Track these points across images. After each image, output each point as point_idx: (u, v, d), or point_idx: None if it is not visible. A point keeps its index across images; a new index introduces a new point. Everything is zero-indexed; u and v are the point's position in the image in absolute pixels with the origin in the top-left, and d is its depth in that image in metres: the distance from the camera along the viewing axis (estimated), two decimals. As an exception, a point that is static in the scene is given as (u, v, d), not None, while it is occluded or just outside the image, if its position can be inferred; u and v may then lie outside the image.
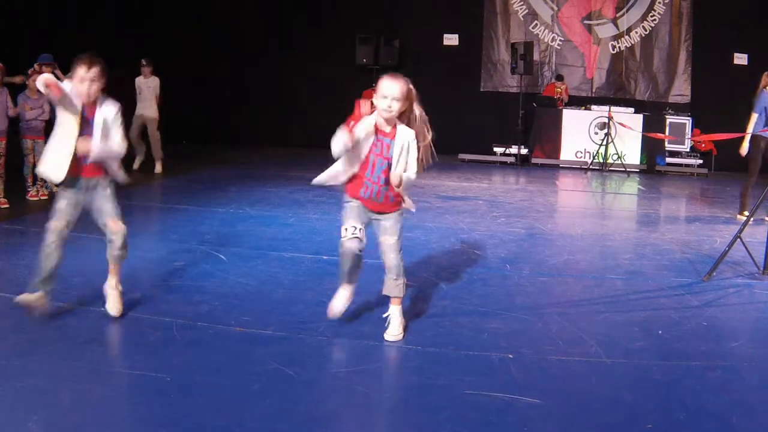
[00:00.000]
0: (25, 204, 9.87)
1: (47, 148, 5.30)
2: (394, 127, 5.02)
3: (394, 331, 5.07)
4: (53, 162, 5.21)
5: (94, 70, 5.10)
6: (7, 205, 9.49)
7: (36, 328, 5.07)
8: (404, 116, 5.08)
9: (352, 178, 5.10)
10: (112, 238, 5.35)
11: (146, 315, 5.39)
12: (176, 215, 9.34)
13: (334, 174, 5.16)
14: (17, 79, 10.25)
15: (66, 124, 5.11)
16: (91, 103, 5.15)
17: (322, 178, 5.22)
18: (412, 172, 5.01)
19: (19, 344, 4.76)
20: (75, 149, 5.09)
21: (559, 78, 18.02)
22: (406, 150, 5.00)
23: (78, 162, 5.18)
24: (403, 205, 5.11)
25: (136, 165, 13.61)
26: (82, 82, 5.07)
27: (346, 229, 5.08)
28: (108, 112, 5.21)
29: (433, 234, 8.66)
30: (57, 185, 5.33)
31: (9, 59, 10.07)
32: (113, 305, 5.33)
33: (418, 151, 5.05)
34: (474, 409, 4.01)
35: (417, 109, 5.11)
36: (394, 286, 5.10)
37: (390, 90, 4.93)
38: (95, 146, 5.10)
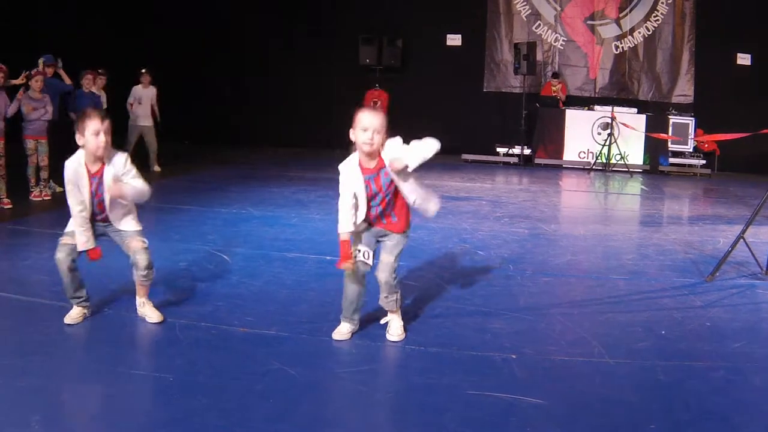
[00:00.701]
0: (28, 204, 9.88)
1: (70, 224, 5.23)
2: (378, 157, 4.86)
3: (395, 331, 5.08)
4: (79, 235, 5.16)
5: (107, 123, 4.99)
6: (10, 206, 9.50)
7: (39, 328, 5.07)
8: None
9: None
10: (135, 259, 5.24)
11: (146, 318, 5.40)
12: (179, 216, 9.34)
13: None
14: (20, 80, 10.25)
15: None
16: (100, 158, 5.05)
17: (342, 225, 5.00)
18: (412, 156, 4.78)
19: (22, 344, 4.77)
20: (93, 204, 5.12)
21: (555, 76, 18.00)
22: (395, 156, 4.81)
23: (95, 216, 5.20)
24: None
25: None
26: (96, 134, 4.94)
27: (355, 254, 4.99)
28: (117, 165, 5.11)
29: (436, 234, 8.66)
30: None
31: (10, 60, 10.06)
32: (153, 313, 5.33)
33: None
34: (477, 409, 4.01)
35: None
36: (386, 303, 5.09)
37: (371, 122, 4.79)
38: (128, 189, 5.11)
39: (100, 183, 5.07)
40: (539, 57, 18.17)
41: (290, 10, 18.63)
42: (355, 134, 4.85)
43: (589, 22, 18.46)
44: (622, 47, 18.42)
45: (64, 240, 5.20)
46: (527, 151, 17.44)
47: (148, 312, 5.34)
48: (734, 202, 12.40)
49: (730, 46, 17.29)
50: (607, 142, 16.34)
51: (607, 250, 8.29)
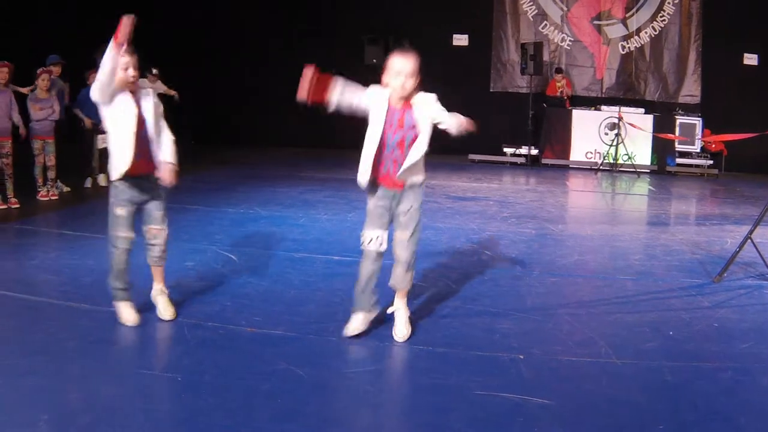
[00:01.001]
0: (36, 204, 9.90)
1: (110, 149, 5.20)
2: (407, 100, 4.89)
3: (401, 330, 5.06)
4: (117, 158, 5.13)
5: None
6: (17, 205, 9.52)
7: (46, 327, 5.08)
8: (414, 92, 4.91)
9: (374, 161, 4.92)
10: (153, 243, 5.39)
11: (156, 315, 5.40)
12: (186, 215, 9.35)
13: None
14: (25, 90, 10.28)
15: (120, 120, 5.12)
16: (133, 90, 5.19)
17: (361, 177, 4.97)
18: (448, 117, 4.93)
19: (29, 344, 4.78)
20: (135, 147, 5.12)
21: (558, 71, 17.97)
22: (431, 111, 4.94)
23: (137, 158, 5.15)
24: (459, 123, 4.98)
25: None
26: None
27: (368, 240, 4.98)
28: (151, 99, 5.35)
29: (443, 234, 8.66)
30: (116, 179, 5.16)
31: (10, 60, 10.07)
32: (165, 310, 5.36)
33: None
34: (484, 409, 4.01)
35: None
36: (402, 278, 5.06)
37: (403, 66, 4.79)
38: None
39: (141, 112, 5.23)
40: (546, 57, 18.15)
41: (294, 9, 18.64)
42: (387, 79, 4.83)
43: (596, 22, 18.44)
44: (629, 47, 18.40)
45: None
46: (534, 152, 17.43)
47: (161, 305, 5.39)
48: (742, 203, 12.38)
49: (737, 46, 17.26)
50: (614, 143, 16.31)
51: (614, 251, 8.28)
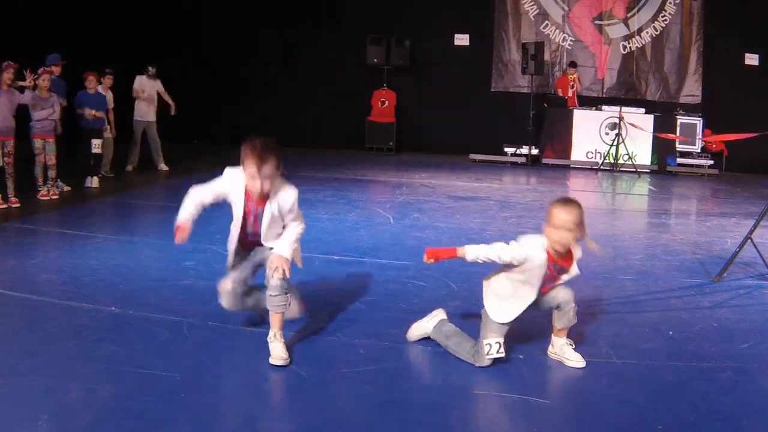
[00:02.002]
0: (36, 203, 9.90)
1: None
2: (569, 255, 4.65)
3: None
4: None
5: (269, 169, 4.60)
6: (18, 205, 9.52)
7: (46, 326, 5.09)
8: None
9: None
10: (272, 284, 4.69)
11: (157, 314, 5.41)
12: (187, 215, 9.34)
13: None
14: (27, 83, 10.26)
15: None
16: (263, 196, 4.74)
17: None
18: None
19: (30, 343, 4.78)
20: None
21: (573, 65, 17.93)
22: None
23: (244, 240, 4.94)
24: None
25: (129, 169, 13.64)
26: (253, 179, 4.64)
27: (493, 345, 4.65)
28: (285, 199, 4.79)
29: (443, 234, 8.66)
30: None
31: (15, 59, 10.08)
32: (277, 356, 4.59)
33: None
34: (484, 409, 4.01)
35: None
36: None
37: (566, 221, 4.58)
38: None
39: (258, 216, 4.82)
40: (547, 57, 18.15)
41: (297, 9, 18.64)
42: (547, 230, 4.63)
43: (597, 22, 18.44)
44: (630, 47, 18.39)
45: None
46: (535, 151, 17.42)
47: (274, 351, 4.63)
48: (742, 203, 12.38)
49: (738, 46, 17.25)
50: (615, 142, 16.31)
51: (614, 251, 8.27)
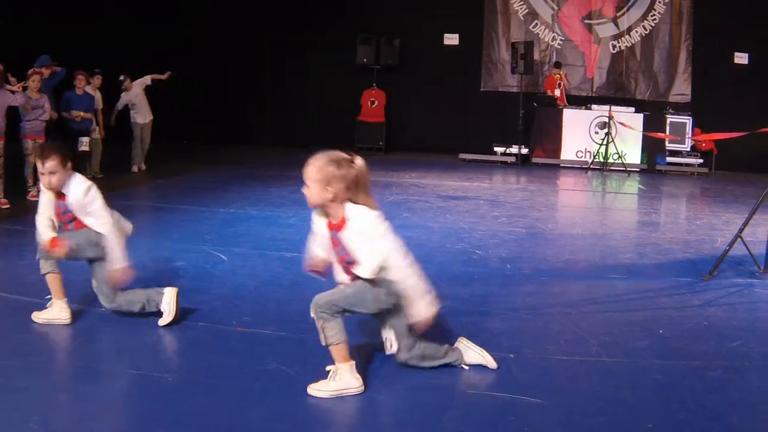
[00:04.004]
0: (26, 204, 9.85)
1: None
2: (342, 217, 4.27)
3: (318, 383, 4.26)
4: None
5: (50, 164, 4.90)
6: (7, 206, 9.49)
7: (36, 328, 5.07)
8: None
9: None
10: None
11: (147, 315, 5.39)
12: (177, 215, 9.34)
13: None
14: (17, 87, 10.23)
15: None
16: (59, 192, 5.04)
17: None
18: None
19: (20, 344, 4.77)
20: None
21: (557, 65, 17.97)
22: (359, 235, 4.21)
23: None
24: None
25: (135, 170, 13.62)
26: (41, 174, 4.99)
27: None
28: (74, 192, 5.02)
29: (433, 234, 8.66)
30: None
31: (4, 61, 10.04)
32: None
33: None
34: (476, 408, 4.01)
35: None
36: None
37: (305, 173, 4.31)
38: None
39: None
40: (536, 56, 18.18)
41: (287, 9, 18.62)
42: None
43: (587, 21, 18.48)
44: (620, 46, 18.44)
45: None
46: (525, 151, 17.46)
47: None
48: (732, 201, 12.41)
49: (728, 45, 17.31)
50: (605, 142, 16.34)
51: (604, 250, 8.29)
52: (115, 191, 11.36)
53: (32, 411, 3.78)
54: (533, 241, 8.59)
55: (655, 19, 18.20)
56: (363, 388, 4.20)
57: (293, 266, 6.89)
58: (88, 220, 5.03)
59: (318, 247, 4.47)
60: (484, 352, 4.58)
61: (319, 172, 4.24)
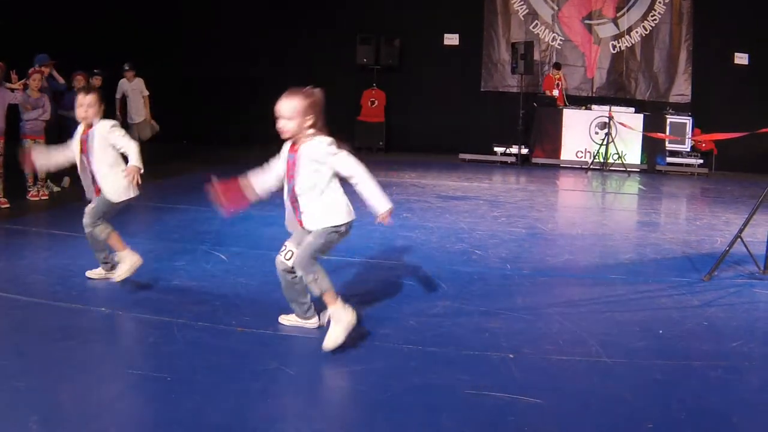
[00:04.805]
0: (26, 204, 9.87)
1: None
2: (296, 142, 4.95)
3: (328, 336, 4.69)
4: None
5: (90, 98, 6.03)
6: (7, 205, 9.49)
7: (36, 327, 5.07)
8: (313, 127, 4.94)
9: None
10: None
11: (147, 315, 5.40)
12: (176, 215, 9.34)
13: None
14: (17, 85, 10.22)
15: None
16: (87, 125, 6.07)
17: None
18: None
19: (20, 344, 4.76)
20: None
21: (557, 66, 17.98)
22: (319, 160, 4.84)
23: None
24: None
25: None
26: (79, 106, 6.02)
27: (282, 250, 5.09)
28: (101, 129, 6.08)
29: (433, 234, 8.66)
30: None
31: (4, 60, 10.04)
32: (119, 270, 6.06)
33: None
34: (475, 408, 4.01)
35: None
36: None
37: (280, 110, 4.95)
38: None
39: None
40: (536, 56, 18.18)
41: (287, 8, 18.62)
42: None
43: (587, 21, 18.48)
44: (620, 47, 18.43)
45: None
46: (525, 151, 17.46)
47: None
48: (732, 202, 12.41)
49: (728, 45, 17.31)
50: (605, 142, 16.35)
51: (604, 250, 8.30)
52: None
53: (32, 411, 3.77)
54: (533, 242, 8.59)
55: (655, 20, 18.20)
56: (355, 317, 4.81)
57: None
58: (104, 155, 6.05)
59: (274, 171, 5.16)
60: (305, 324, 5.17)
61: (296, 105, 4.89)
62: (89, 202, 6.07)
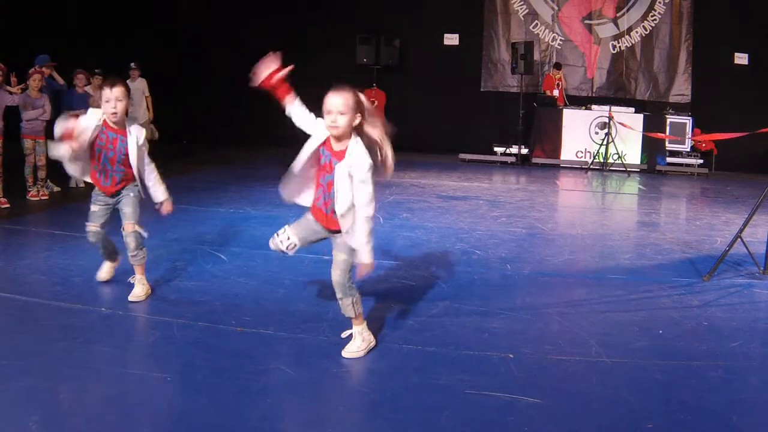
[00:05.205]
0: (26, 204, 9.86)
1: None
2: (345, 147, 4.63)
3: (349, 347, 4.77)
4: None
5: (119, 90, 5.49)
6: (7, 205, 9.48)
7: (36, 327, 5.07)
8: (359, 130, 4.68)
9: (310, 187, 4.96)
10: (126, 241, 5.75)
11: (147, 315, 5.40)
12: (176, 215, 9.27)
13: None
14: (16, 89, 10.21)
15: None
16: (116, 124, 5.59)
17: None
18: (363, 206, 4.58)
19: (20, 344, 4.76)
20: None
21: (558, 66, 17.99)
22: (351, 176, 4.54)
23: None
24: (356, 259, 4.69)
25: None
26: (107, 101, 5.47)
27: (280, 233, 5.06)
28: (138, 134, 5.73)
29: (433, 234, 8.66)
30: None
31: (6, 60, 10.04)
32: (135, 294, 5.75)
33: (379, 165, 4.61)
34: (475, 408, 4.01)
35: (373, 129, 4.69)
36: (340, 306, 4.81)
37: (332, 104, 4.63)
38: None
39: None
40: (536, 56, 18.19)
41: (287, 9, 18.61)
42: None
43: (587, 21, 18.49)
44: (620, 47, 18.44)
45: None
46: (524, 151, 17.47)
47: (135, 289, 5.79)
48: (731, 202, 12.41)
49: (728, 45, 17.33)
50: (605, 142, 16.36)
51: (604, 250, 8.30)
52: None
53: (32, 411, 3.78)
54: (533, 242, 8.59)
55: (655, 20, 18.21)
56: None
57: (293, 266, 6.88)
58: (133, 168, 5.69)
59: (309, 121, 5.04)
60: None
61: (348, 99, 4.65)
62: (78, 186, 5.97)
